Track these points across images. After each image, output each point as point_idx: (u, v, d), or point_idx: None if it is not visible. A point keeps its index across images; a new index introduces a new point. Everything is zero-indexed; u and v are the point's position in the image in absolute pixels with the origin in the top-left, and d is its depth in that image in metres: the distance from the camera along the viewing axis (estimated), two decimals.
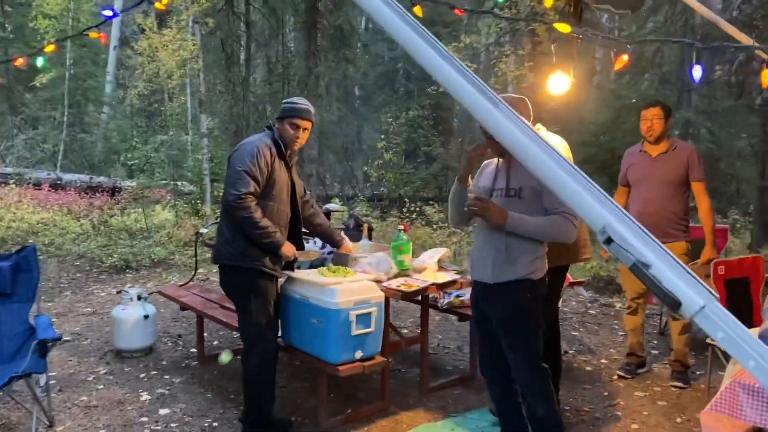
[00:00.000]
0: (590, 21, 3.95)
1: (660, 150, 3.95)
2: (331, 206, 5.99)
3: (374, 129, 21.22)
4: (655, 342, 5.06)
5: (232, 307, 4.31)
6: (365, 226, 4.37)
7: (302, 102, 3.29)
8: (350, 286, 3.16)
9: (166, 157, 13.46)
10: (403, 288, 3.35)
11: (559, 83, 3.37)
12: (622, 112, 10.64)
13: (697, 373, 4.31)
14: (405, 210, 11.40)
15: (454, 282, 3.54)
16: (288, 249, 3.22)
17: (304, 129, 3.28)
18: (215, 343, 4.98)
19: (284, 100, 3.35)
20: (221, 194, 11.63)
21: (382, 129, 16.54)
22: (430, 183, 14.29)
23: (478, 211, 2.72)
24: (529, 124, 3.20)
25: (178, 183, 12.85)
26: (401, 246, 3.62)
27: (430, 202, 12.53)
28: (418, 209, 11.61)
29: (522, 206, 2.77)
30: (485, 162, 3.08)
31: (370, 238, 5.63)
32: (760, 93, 8.49)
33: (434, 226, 11.21)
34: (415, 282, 3.45)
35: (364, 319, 3.15)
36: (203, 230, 4.74)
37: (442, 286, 3.52)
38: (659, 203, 3.90)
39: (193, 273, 5.01)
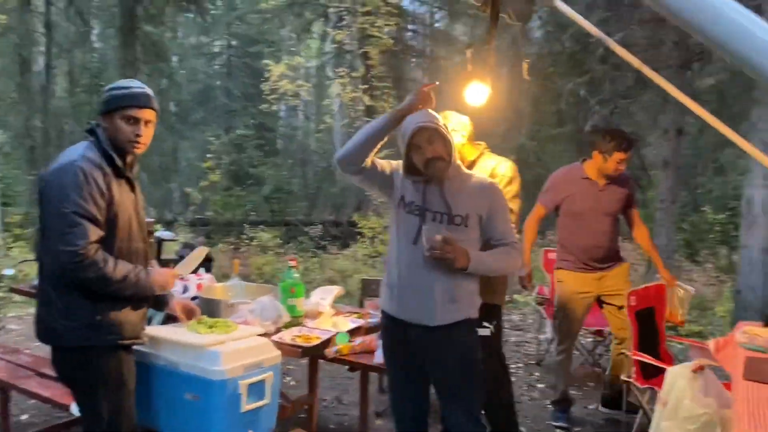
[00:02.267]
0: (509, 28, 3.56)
1: (605, 179, 3.72)
2: (163, 234, 5.05)
3: (193, 148, 19.87)
4: (537, 374, 4.82)
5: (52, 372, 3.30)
6: (235, 262, 3.59)
7: (136, 84, 2.30)
8: (237, 347, 2.40)
9: None
10: (301, 342, 2.65)
11: (475, 94, 2.91)
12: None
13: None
14: (243, 235, 10.46)
15: (359, 329, 2.91)
16: (162, 279, 2.33)
17: (147, 122, 2.27)
18: (24, 418, 3.81)
19: (108, 86, 2.34)
20: (15, 223, 9.89)
21: (205, 148, 15.41)
22: (261, 206, 13.42)
23: (443, 255, 2.22)
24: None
25: None
26: (293, 287, 2.91)
27: (261, 227, 11.71)
28: (251, 234, 10.76)
29: (466, 236, 2.34)
30: (394, 168, 2.51)
31: (208, 270, 4.82)
32: (590, 119, 8.93)
33: (269, 252, 10.45)
34: (313, 333, 2.76)
35: (256, 389, 2.40)
36: (7, 272, 3.62)
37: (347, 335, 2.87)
38: (608, 235, 3.74)
39: None
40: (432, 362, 2.43)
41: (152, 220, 4.17)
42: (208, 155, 12.74)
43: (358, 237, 11.11)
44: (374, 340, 3.58)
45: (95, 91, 13.87)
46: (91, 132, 2.28)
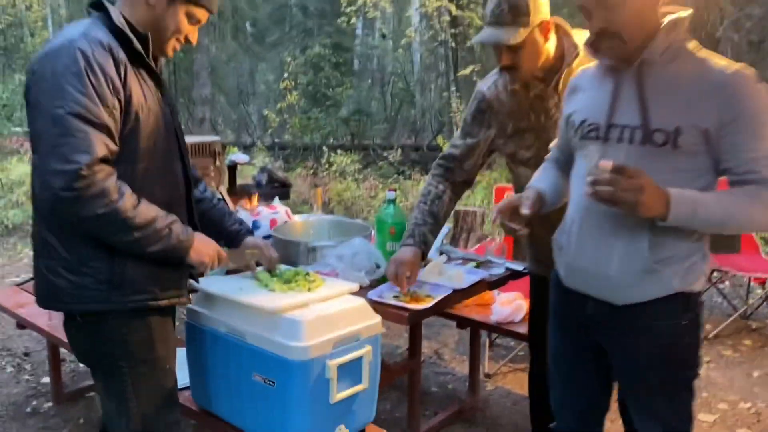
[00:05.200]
0: None
1: None
2: (237, 157, 4.45)
3: (270, 69, 19.31)
4: None
5: None
6: (317, 191, 2.91)
7: None
8: (325, 312, 1.71)
9: None
10: (408, 304, 1.94)
11: None
12: None
13: None
14: (323, 160, 9.85)
15: (479, 285, 2.17)
16: (204, 249, 1.63)
17: (197, 22, 1.64)
18: (83, 366, 3.37)
19: None
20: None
21: (282, 69, 14.73)
22: (340, 129, 12.72)
23: (612, 195, 1.33)
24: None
25: None
26: (393, 226, 2.17)
27: (338, 151, 11.08)
28: (329, 159, 10.15)
29: (674, 165, 1.42)
30: (582, 69, 1.69)
31: (284, 197, 4.22)
32: None
33: (348, 178, 9.83)
34: (421, 289, 2.05)
35: (351, 370, 1.73)
36: None
37: (467, 294, 2.14)
38: None
39: None
40: (616, 349, 1.60)
41: (217, 138, 3.54)
42: (285, 75, 12.07)
43: None
44: (492, 294, 2.87)
45: None
46: (96, 6, 1.54)
